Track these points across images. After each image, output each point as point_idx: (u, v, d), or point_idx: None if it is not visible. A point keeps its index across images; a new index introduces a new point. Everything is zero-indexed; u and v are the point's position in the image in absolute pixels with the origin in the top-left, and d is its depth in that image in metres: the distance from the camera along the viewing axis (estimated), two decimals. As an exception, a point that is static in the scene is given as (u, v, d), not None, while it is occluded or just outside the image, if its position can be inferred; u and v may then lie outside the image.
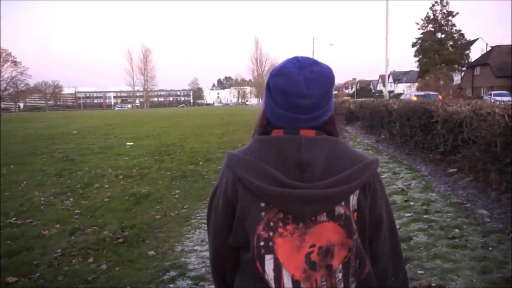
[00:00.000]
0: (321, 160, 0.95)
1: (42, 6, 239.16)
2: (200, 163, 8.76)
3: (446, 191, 5.29)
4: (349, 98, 30.17)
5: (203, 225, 4.62)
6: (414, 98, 19.03)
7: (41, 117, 45.59)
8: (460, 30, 52.78)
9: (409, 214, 4.45)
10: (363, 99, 21.38)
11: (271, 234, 0.95)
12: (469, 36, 53.64)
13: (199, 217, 4.93)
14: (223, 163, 1.06)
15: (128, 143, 13.29)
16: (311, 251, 0.95)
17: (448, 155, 6.62)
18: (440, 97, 22.05)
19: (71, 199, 5.91)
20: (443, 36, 52.53)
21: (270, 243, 0.95)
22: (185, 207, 5.37)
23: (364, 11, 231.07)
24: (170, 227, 4.55)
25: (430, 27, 52.68)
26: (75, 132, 19.42)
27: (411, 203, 4.85)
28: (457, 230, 3.82)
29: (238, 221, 1.00)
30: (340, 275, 0.97)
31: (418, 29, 53.07)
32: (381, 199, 1.04)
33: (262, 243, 0.96)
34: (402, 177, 6.26)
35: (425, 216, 4.32)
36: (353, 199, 0.97)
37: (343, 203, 0.95)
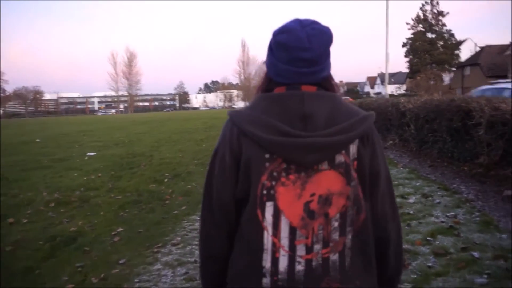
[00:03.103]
0: (323, 113, 0.98)
1: (20, 10, 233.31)
2: (165, 180, 6.86)
3: (521, 230, 3.50)
4: (346, 98, 28.40)
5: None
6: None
7: (15, 123, 43.04)
8: (450, 30, 52.06)
9: (482, 280, 2.65)
10: (357, 100, 19.73)
11: (273, 183, 0.98)
12: (458, 37, 52.92)
13: (137, 285, 3.05)
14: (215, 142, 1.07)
15: (89, 153, 11.32)
16: (311, 200, 0.98)
17: (494, 168, 4.87)
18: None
19: (-45, 248, 3.96)
20: (433, 36, 51.71)
21: (272, 191, 0.98)
22: (121, 261, 3.47)
23: (351, 12, 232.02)
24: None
25: (420, 27, 51.83)
26: (38, 140, 17.35)
27: (475, 255, 3.05)
28: None
29: (244, 173, 1.01)
30: (336, 224, 0.98)
31: (409, 29, 52.20)
32: (380, 152, 1.05)
33: (265, 192, 0.98)
34: (439, 202, 4.45)
35: (515, 287, 2.52)
36: (353, 148, 0.99)
37: (343, 151, 0.98)
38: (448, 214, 4.02)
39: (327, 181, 0.97)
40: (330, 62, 1.04)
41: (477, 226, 3.63)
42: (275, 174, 0.97)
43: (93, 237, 4.14)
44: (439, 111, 6.02)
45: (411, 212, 4.17)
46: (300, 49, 0.97)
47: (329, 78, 1.06)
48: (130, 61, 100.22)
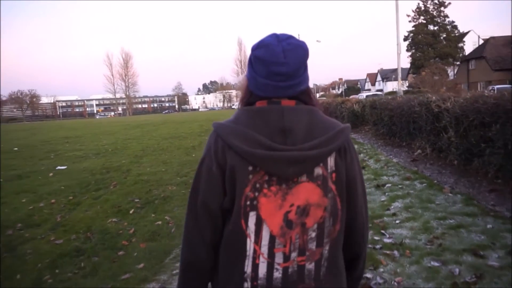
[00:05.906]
0: (302, 126, 1.03)
1: (15, 12, 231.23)
2: (131, 211, 5.19)
3: None
4: (353, 97, 26.42)
5: None
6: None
7: (6, 129, 41.50)
8: (453, 22, 50.12)
9: None
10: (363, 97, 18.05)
11: (256, 194, 1.02)
12: (461, 29, 51.00)
13: None
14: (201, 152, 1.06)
15: (58, 167, 9.69)
16: (290, 210, 1.03)
17: None
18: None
19: None
20: (435, 28, 49.82)
21: (255, 202, 1.02)
22: None
23: (348, 8, 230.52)
24: None
25: (421, 19, 49.90)
26: (16, 149, 15.73)
27: None
28: None
29: (229, 184, 1.04)
30: (313, 234, 1.03)
31: (409, 21, 50.27)
32: (355, 160, 1.10)
33: (248, 202, 1.02)
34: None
35: None
36: (331, 161, 1.04)
37: (321, 164, 1.03)
38: None
39: (306, 192, 1.02)
40: (307, 75, 1.10)
41: None
42: (258, 185, 1.02)
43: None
44: (501, 113, 4.35)
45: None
46: (276, 64, 1.02)
47: (308, 91, 1.11)
48: (126, 62, 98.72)
